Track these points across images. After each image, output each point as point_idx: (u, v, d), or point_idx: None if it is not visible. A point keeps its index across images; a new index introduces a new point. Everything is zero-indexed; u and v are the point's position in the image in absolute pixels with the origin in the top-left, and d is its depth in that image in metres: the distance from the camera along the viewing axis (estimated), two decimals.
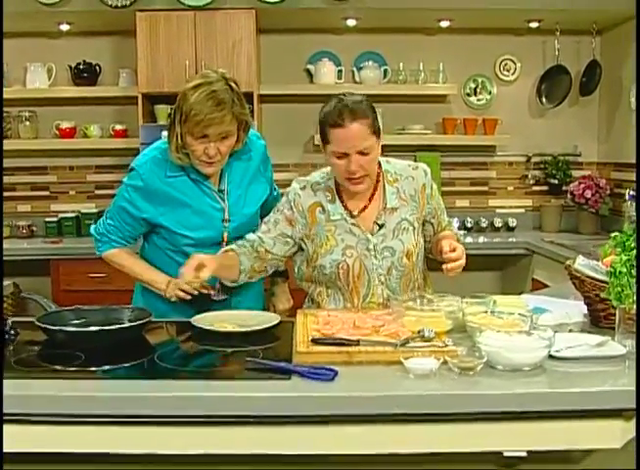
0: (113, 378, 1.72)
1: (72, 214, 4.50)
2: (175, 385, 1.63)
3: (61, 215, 4.51)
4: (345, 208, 2.24)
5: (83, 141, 4.50)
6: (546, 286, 3.68)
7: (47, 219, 4.47)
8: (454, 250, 2.12)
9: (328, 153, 2.16)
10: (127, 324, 1.96)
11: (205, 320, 2.07)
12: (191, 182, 2.28)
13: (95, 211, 4.52)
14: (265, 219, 2.32)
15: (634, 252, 1.80)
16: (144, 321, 1.95)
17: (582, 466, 1.75)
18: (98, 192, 4.66)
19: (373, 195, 2.25)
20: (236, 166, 2.35)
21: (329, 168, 2.28)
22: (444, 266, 2.12)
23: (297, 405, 1.55)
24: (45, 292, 3.74)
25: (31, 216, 4.58)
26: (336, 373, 1.62)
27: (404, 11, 4.09)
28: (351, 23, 4.34)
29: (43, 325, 1.88)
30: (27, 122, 4.44)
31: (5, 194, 4.60)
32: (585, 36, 4.57)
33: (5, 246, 4.22)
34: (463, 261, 2.14)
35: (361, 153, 2.10)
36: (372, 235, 2.23)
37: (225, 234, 2.31)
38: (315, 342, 1.78)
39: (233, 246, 2.26)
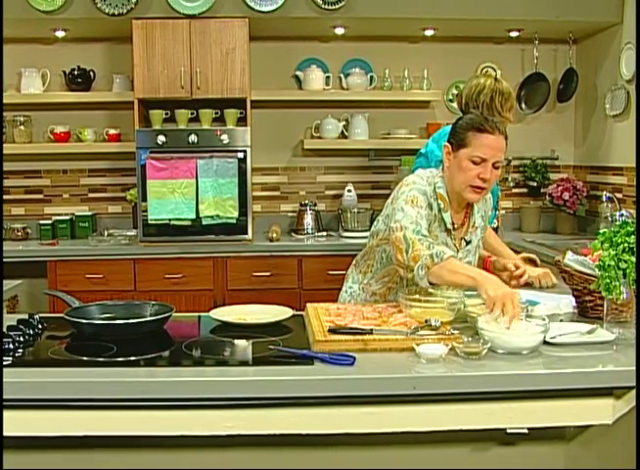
0: (145, 366, 1.84)
1: (67, 217, 4.56)
2: (209, 371, 1.77)
3: (55, 218, 4.56)
4: (451, 219, 2.35)
5: (77, 145, 4.56)
6: (528, 284, 3.85)
7: (41, 222, 4.50)
8: (518, 267, 2.40)
9: (461, 157, 2.24)
10: (151, 318, 2.09)
11: (222, 314, 2.21)
12: None
13: (89, 214, 4.61)
14: (420, 215, 2.23)
15: (621, 247, 1.98)
16: (167, 315, 2.08)
17: (576, 442, 1.92)
18: (91, 195, 4.74)
19: (467, 212, 2.39)
20: None
21: (425, 176, 2.34)
22: (514, 282, 2.40)
23: (322, 387, 1.69)
24: (42, 293, 3.83)
25: (26, 219, 4.64)
26: (354, 359, 1.77)
27: (390, 20, 4.24)
28: (340, 31, 4.47)
29: (74, 319, 2.01)
30: (22, 127, 4.50)
31: None
32: (562, 45, 4.76)
33: None
34: (527, 274, 2.43)
35: (495, 166, 2.24)
36: (459, 250, 2.37)
37: None
38: (332, 331, 1.92)
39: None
